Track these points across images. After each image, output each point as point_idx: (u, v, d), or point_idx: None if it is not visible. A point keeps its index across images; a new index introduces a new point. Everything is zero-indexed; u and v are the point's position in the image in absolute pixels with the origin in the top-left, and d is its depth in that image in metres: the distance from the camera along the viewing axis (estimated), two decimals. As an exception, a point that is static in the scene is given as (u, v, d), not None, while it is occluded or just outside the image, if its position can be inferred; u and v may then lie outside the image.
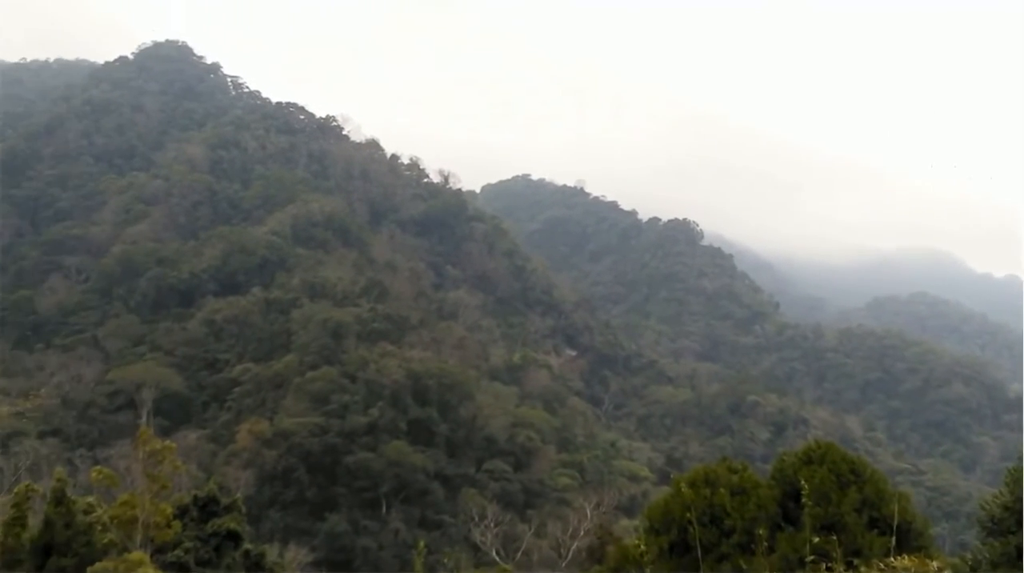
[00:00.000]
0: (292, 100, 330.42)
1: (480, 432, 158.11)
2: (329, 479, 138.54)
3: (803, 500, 17.53)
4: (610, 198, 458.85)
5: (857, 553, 20.17)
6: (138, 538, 50.96)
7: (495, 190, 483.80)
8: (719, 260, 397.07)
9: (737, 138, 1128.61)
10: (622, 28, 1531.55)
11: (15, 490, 54.13)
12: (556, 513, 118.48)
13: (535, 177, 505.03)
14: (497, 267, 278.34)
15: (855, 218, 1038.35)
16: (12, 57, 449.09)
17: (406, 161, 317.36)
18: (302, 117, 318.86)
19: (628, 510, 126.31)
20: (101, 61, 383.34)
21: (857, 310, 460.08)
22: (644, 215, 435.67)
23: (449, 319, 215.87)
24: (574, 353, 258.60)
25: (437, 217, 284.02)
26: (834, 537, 15.97)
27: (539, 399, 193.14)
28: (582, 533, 63.81)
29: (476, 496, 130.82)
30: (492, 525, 71.13)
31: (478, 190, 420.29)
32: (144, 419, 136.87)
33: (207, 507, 58.46)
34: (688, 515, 21.07)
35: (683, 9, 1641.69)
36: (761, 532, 19.37)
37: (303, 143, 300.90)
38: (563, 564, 63.33)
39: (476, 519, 75.13)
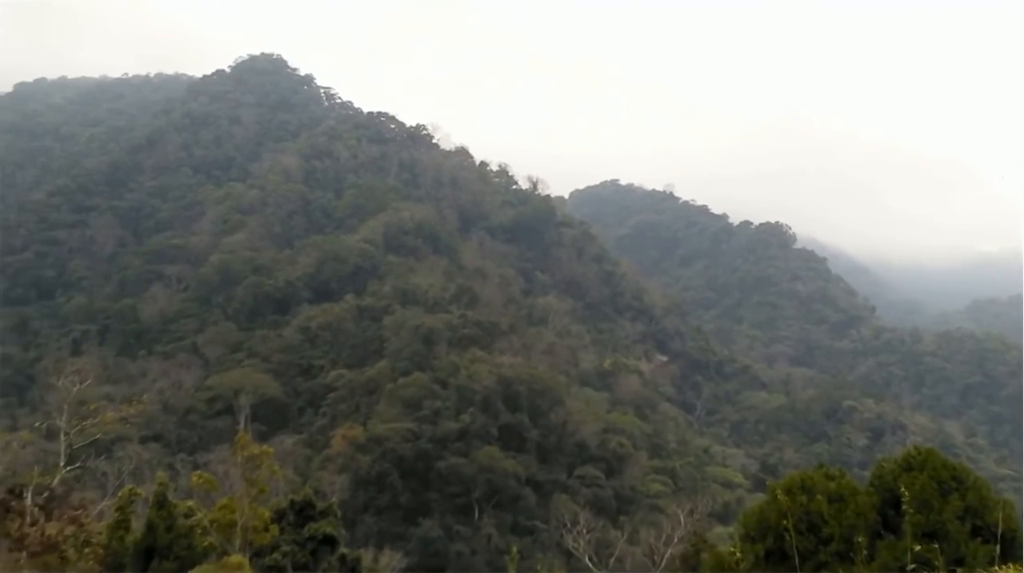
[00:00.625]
0: (383, 110, 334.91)
1: (571, 438, 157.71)
2: (422, 484, 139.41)
3: (903, 507, 17.18)
4: (700, 202, 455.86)
5: (960, 562, 19.75)
6: (237, 542, 51.83)
7: (583, 196, 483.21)
8: (813, 263, 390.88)
9: (827, 140, 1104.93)
10: (709, 30, 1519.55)
11: (119, 494, 55.40)
12: (649, 519, 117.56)
13: (623, 182, 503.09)
14: (586, 272, 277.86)
15: (953, 220, 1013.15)
16: (115, 73, 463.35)
17: (495, 168, 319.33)
18: (393, 126, 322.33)
19: (722, 517, 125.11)
20: (199, 75, 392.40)
21: (956, 313, 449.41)
22: (735, 219, 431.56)
23: (539, 325, 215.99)
24: (665, 358, 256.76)
25: (526, 223, 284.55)
26: (936, 545, 15.65)
27: (630, 405, 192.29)
28: (676, 540, 63.13)
29: (568, 502, 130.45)
30: (584, 531, 70.65)
31: (566, 196, 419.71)
32: (242, 424, 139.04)
33: (304, 511, 59.19)
34: (784, 522, 20.76)
35: (768, 10, 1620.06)
36: (860, 540, 19.05)
37: (394, 152, 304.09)
38: (657, 571, 62.82)
39: (568, 525, 74.71)
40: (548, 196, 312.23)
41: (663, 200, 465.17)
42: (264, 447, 56.98)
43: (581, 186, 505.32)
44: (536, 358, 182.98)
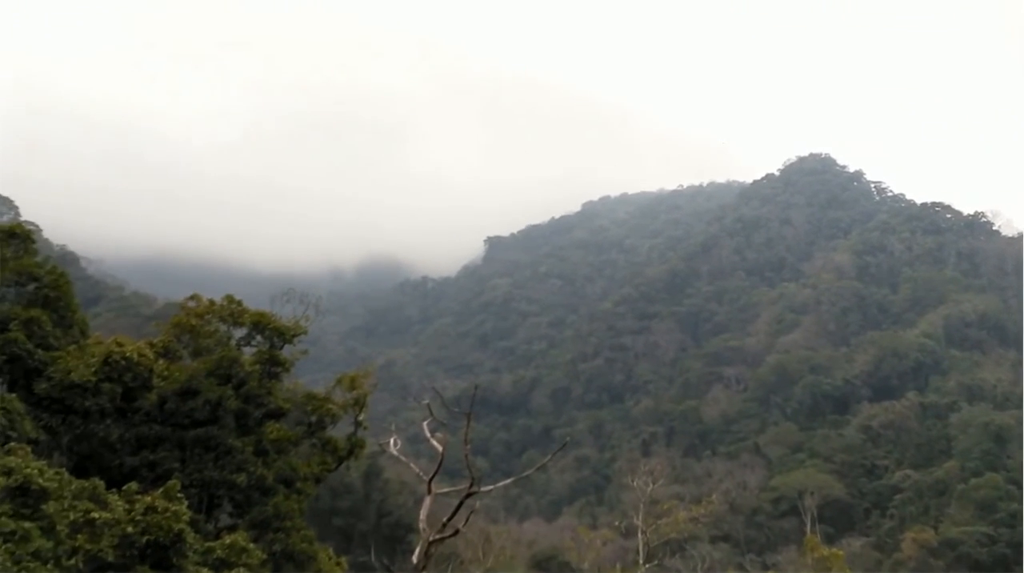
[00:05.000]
0: (937, 199, 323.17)
1: None
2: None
3: None
4: None
5: None
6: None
7: None
8: None
9: None
10: None
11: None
12: None
13: None
14: None
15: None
16: (671, 185, 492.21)
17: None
18: (948, 215, 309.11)
19: None
20: (749, 180, 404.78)
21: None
22: None
23: None
24: None
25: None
26: None
27: None
28: None
29: None
30: None
31: None
32: (809, 526, 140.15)
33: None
34: None
35: None
36: None
37: (951, 242, 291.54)
38: None
39: None
40: None
41: None
42: (833, 549, 58.79)
43: None
44: None
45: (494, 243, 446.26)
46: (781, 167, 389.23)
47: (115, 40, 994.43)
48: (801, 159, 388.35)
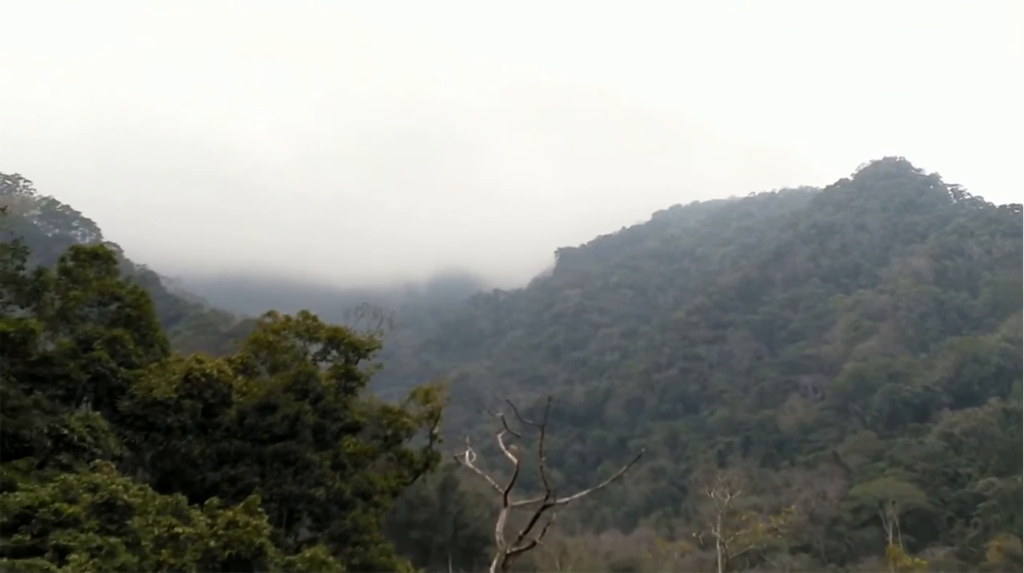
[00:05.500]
0: (1017, 201, 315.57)
1: None
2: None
3: None
4: None
5: None
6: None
7: None
8: None
9: None
10: None
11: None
12: None
13: None
14: None
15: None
16: (742, 193, 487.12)
17: None
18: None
19: None
20: (822, 186, 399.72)
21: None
22: None
23: None
24: None
25: None
26: None
27: None
28: None
29: None
30: None
31: None
32: (890, 536, 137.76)
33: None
34: None
35: None
36: None
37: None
38: None
39: None
40: None
41: None
42: (916, 559, 57.73)
43: None
44: None
45: (565, 254, 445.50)
46: (855, 172, 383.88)
47: (185, 59, 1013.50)
48: (875, 163, 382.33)
